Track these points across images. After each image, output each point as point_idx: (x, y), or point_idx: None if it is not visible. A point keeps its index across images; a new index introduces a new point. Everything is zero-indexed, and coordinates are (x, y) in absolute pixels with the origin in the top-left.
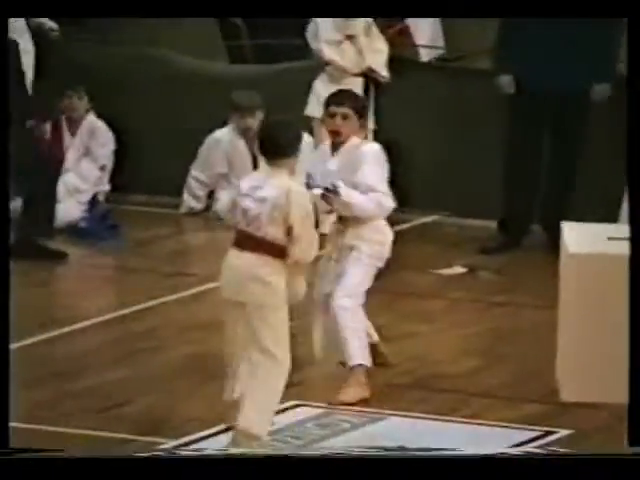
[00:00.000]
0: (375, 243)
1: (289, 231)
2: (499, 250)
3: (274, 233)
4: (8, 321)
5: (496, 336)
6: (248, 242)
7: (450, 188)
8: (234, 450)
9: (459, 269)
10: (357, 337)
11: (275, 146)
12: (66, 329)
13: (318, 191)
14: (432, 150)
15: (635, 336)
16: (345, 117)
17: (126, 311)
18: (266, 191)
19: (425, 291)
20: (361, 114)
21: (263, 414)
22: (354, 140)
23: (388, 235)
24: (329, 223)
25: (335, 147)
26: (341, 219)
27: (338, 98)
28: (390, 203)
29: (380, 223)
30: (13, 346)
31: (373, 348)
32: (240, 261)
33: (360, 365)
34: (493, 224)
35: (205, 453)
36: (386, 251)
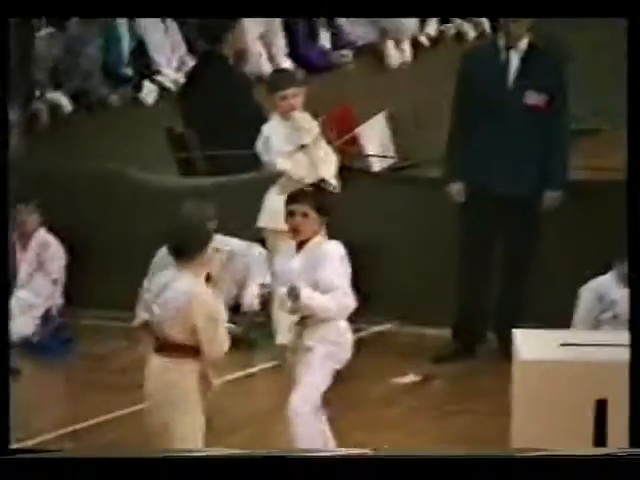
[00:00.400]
0: (331, 344)
1: (194, 333)
2: (453, 359)
3: (179, 335)
4: (8, 321)
5: (451, 443)
6: (161, 345)
7: (404, 295)
8: (234, 451)
9: (413, 377)
10: (311, 444)
11: (181, 245)
12: (17, 445)
13: (282, 291)
14: (385, 257)
15: (635, 336)
16: (305, 215)
17: (82, 425)
18: (168, 294)
19: (380, 400)
20: (323, 212)
21: None
22: (316, 238)
23: (346, 335)
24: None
25: (299, 246)
26: (302, 319)
27: (298, 197)
28: (351, 302)
29: (339, 324)
30: None
31: None
32: (154, 365)
33: None
34: (447, 332)
35: (205, 453)
36: (344, 351)
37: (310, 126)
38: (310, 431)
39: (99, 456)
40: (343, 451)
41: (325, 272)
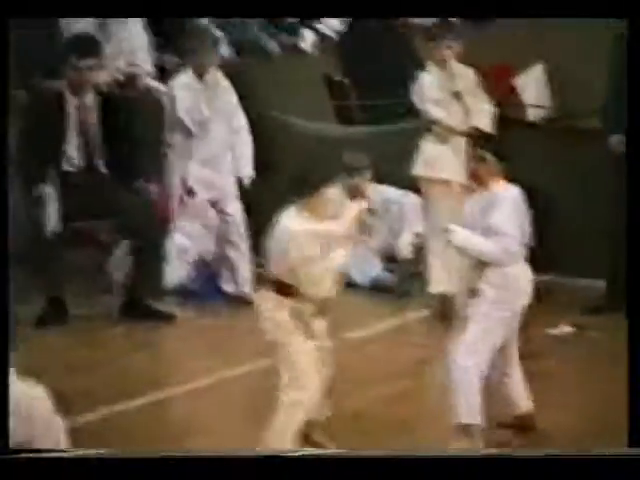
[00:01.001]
0: (501, 288)
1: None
2: (607, 310)
3: (279, 272)
4: (8, 321)
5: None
6: (269, 282)
7: (560, 247)
8: (235, 451)
9: (567, 328)
10: (468, 404)
11: (300, 183)
12: (175, 390)
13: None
14: (542, 209)
15: (634, 336)
16: (482, 160)
17: (234, 372)
18: (275, 230)
19: (535, 350)
20: (500, 157)
21: None
22: (494, 184)
23: (519, 281)
24: None
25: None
26: (473, 265)
27: (478, 141)
28: (517, 247)
29: (511, 268)
30: (117, 407)
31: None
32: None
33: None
34: (602, 284)
35: (205, 453)
36: (517, 298)
37: (464, 74)
38: (471, 389)
39: (99, 456)
40: (343, 451)
41: (495, 216)
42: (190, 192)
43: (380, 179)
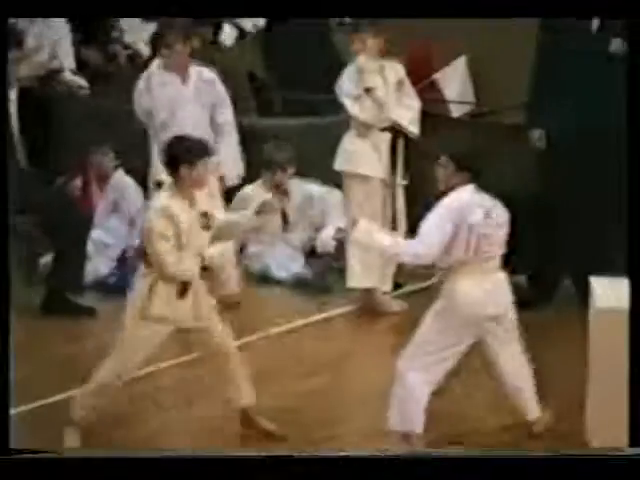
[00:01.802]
0: (447, 298)
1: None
2: (529, 305)
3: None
4: (8, 321)
5: None
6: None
7: None
8: (234, 451)
9: None
10: (403, 402)
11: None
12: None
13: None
14: None
15: (635, 336)
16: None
17: (153, 368)
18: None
19: None
20: (460, 163)
21: None
22: (455, 190)
23: (465, 293)
24: None
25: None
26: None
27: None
28: (424, 252)
29: (457, 281)
30: (40, 402)
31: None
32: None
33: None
34: (523, 279)
35: (205, 453)
36: (461, 310)
37: (391, 69)
38: (407, 395)
39: (99, 456)
40: (344, 451)
41: (426, 218)
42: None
43: (303, 174)
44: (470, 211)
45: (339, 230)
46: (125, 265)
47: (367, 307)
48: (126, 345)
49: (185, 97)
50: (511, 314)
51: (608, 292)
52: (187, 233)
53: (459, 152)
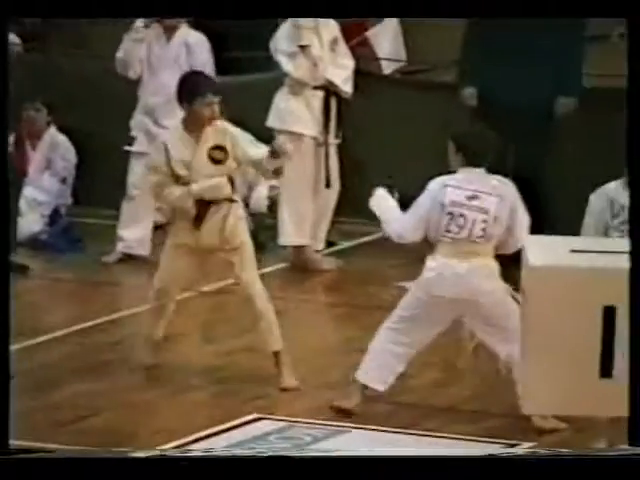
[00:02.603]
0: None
1: None
2: None
3: None
4: (8, 321)
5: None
6: None
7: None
8: (234, 451)
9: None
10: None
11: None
12: (28, 342)
13: None
14: (392, 163)
15: (635, 335)
16: None
17: (90, 323)
18: None
19: (390, 304)
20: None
21: None
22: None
23: (429, 270)
24: None
25: None
26: None
27: None
28: (402, 236)
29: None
30: None
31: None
32: None
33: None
34: None
35: (205, 453)
36: (430, 286)
37: (310, 26)
38: (381, 350)
39: (99, 456)
40: (344, 452)
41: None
42: (130, 139)
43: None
44: (444, 191)
45: (272, 188)
46: (57, 222)
47: (299, 265)
48: (162, 266)
49: (166, 57)
50: (490, 302)
51: (542, 250)
52: (188, 166)
53: (457, 133)
